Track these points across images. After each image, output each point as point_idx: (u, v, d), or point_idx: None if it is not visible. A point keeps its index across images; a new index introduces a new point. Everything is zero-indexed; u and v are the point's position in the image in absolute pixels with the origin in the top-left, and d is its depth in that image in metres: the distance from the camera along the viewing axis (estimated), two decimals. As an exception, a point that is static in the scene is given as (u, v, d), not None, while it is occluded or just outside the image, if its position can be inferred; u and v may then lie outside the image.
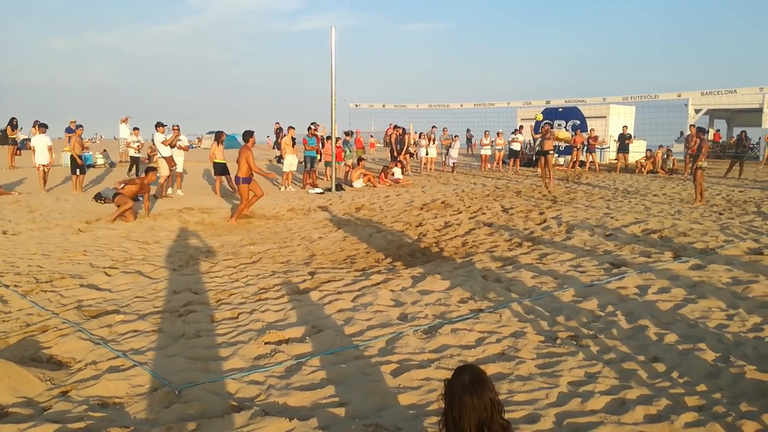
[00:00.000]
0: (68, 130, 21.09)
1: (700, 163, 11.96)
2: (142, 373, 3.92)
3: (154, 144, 15.20)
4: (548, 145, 15.47)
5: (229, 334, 4.71)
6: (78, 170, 14.13)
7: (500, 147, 23.08)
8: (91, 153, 21.20)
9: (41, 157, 14.10)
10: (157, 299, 5.70)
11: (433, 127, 22.81)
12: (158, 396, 3.63)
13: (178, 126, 14.58)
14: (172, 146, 13.88)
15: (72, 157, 14.06)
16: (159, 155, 13.72)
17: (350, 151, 17.67)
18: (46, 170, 14.25)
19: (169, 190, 14.15)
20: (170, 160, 13.70)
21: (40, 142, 14.23)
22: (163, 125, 13.83)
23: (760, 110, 27.35)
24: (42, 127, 14.76)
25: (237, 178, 10.77)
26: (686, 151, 18.90)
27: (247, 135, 11.19)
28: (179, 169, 14.25)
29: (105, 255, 7.63)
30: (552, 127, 24.21)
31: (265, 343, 4.48)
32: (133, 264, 7.16)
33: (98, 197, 12.59)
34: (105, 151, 23.04)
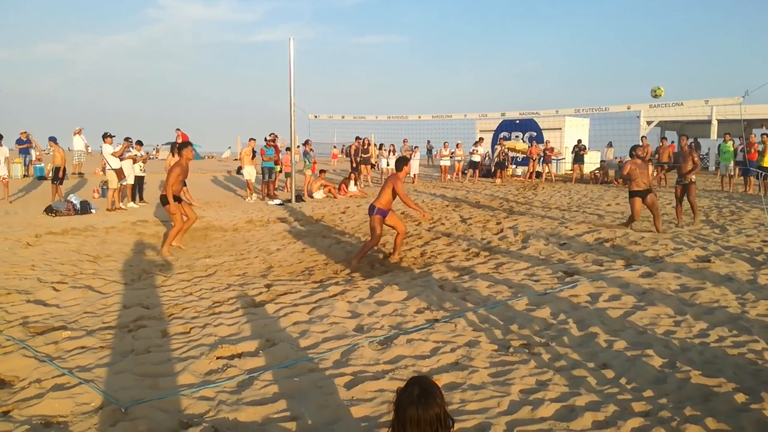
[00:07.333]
0: (19, 142, 20.54)
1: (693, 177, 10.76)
2: (89, 391, 3.81)
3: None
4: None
5: (180, 349, 4.62)
6: (58, 180, 14.17)
7: (460, 158, 23.36)
8: (43, 165, 20.63)
9: (3, 169, 14.71)
10: (106, 314, 5.55)
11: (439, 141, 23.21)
12: (104, 414, 3.53)
13: (130, 138, 14.27)
14: (122, 158, 13.56)
15: (57, 167, 14.17)
16: (108, 167, 13.39)
17: (309, 161, 17.62)
18: (6, 182, 14.71)
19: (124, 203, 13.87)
20: (120, 172, 13.38)
21: (2, 154, 14.79)
22: (110, 136, 13.40)
23: (708, 122, 28.44)
24: None
25: (376, 209, 8.22)
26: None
27: (401, 162, 8.49)
28: (130, 180, 13.93)
29: (54, 270, 7.41)
30: (509, 139, 24.59)
31: (217, 358, 4.40)
32: (82, 279, 6.96)
33: (49, 210, 12.24)
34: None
